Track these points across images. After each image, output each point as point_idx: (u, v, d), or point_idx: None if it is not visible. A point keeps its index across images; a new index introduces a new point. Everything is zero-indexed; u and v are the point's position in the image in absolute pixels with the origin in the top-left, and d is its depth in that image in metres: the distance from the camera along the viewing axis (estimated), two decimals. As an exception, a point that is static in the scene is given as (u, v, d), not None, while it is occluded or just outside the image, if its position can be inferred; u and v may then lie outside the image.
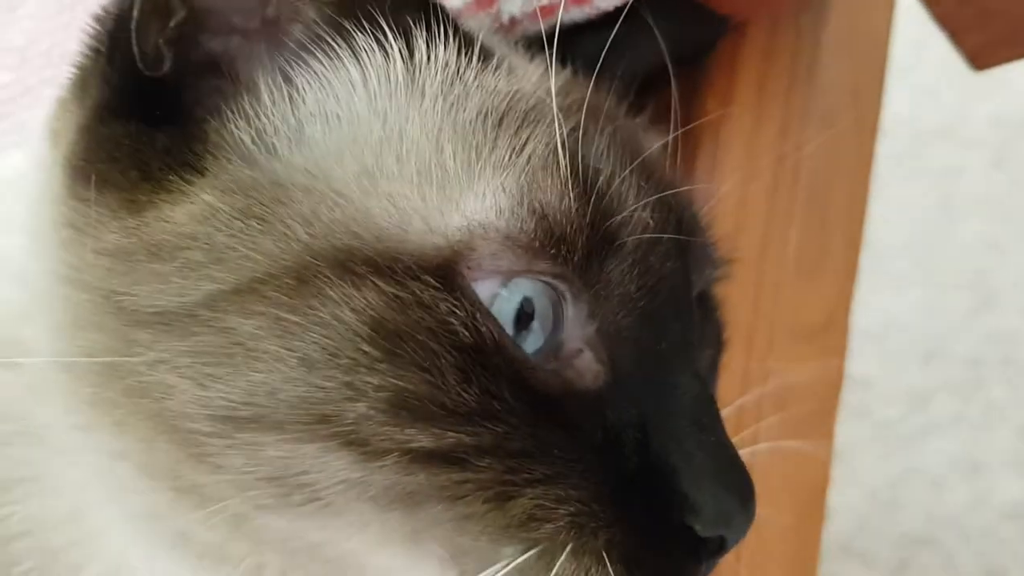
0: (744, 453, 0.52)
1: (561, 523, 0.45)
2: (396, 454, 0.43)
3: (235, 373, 0.42)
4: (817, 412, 0.70)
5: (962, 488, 1.48)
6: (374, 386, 0.42)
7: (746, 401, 0.61)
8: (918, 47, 1.81)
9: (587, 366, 0.48)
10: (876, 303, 1.69)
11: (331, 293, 0.43)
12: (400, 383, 0.43)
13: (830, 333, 0.70)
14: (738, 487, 0.47)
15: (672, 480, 0.46)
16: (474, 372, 0.44)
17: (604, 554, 0.45)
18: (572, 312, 0.47)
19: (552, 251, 0.45)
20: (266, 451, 0.43)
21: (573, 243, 0.46)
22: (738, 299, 0.58)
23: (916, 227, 1.70)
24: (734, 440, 0.51)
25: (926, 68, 1.78)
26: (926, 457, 1.53)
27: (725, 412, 0.55)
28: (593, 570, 0.45)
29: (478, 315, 0.44)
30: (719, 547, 0.48)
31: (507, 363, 0.45)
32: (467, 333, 0.44)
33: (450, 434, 0.43)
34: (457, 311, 0.44)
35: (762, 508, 0.52)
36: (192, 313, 0.43)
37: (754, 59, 0.67)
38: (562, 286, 0.47)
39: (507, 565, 0.44)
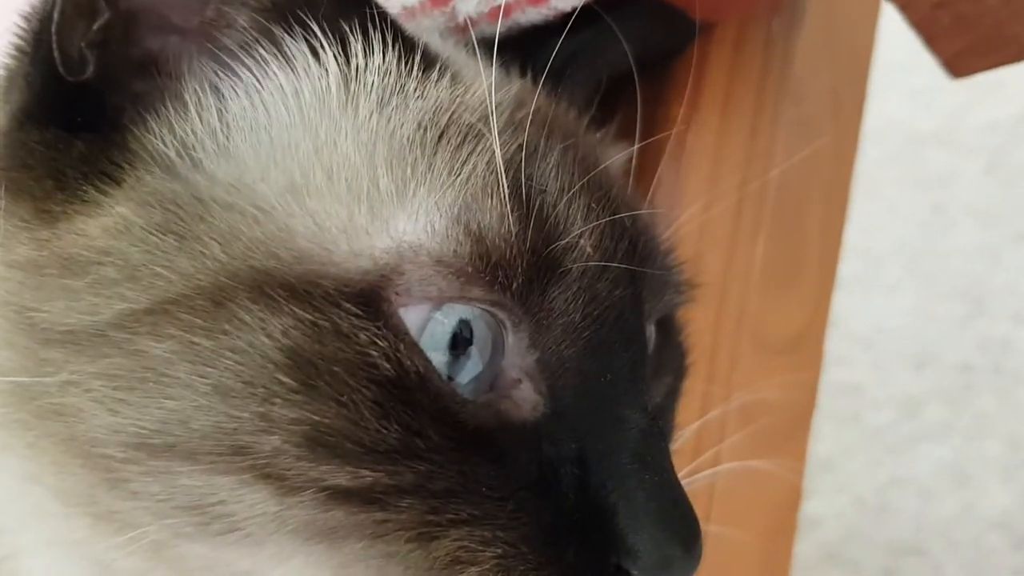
0: (706, 475, 0.50)
1: (487, 566, 0.42)
2: (312, 490, 0.41)
3: (146, 399, 0.40)
4: (788, 429, 0.68)
5: (951, 497, 1.46)
6: (289, 419, 0.40)
7: (708, 420, 0.59)
8: (912, 49, 1.79)
9: (525, 397, 0.45)
10: (867, 309, 1.67)
11: (246, 318, 0.40)
12: (316, 417, 0.41)
13: (803, 348, 0.68)
14: (682, 530, 0.45)
15: (610, 521, 0.43)
16: (394, 408, 0.42)
17: None
18: (512, 340, 0.45)
19: (487, 277, 0.43)
20: (181, 480, 0.41)
21: (512, 269, 0.43)
22: (700, 315, 0.57)
23: (909, 233, 1.69)
24: (694, 462, 0.49)
25: (920, 71, 1.77)
26: (915, 465, 1.51)
27: (685, 433, 0.53)
28: None
29: (401, 347, 0.42)
30: None
31: (432, 398, 0.42)
32: (388, 366, 0.42)
33: (367, 473, 0.41)
34: (378, 341, 0.41)
35: (728, 529, 0.50)
36: (103, 333, 0.41)
37: (722, 65, 0.65)
38: (500, 314, 0.45)
39: None
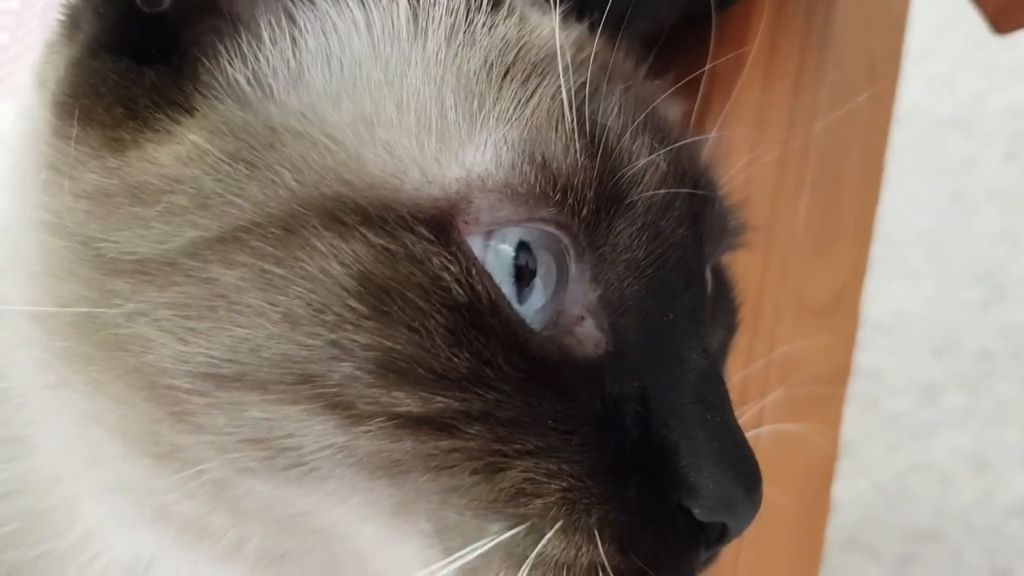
0: (749, 435, 0.50)
1: (552, 498, 0.42)
2: (382, 418, 0.41)
3: (217, 327, 0.40)
4: (824, 396, 0.68)
5: (970, 483, 1.46)
6: (360, 345, 0.40)
7: (750, 372, 0.59)
8: (937, 34, 1.79)
9: (588, 334, 0.45)
10: (887, 295, 1.67)
11: (318, 244, 0.40)
12: (387, 343, 0.41)
13: (839, 312, 0.68)
14: (743, 472, 0.44)
15: (672, 459, 0.43)
16: (466, 334, 0.41)
17: (596, 532, 0.43)
18: (575, 271, 0.45)
19: (557, 198, 0.43)
20: (249, 411, 0.41)
21: (579, 195, 0.43)
22: (746, 268, 0.56)
23: (929, 219, 1.68)
24: (738, 414, 0.49)
25: (943, 57, 1.76)
26: (934, 451, 1.51)
27: (729, 386, 0.53)
28: (584, 548, 0.43)
29: (473, 271, 0.42)
30: (720, 535, 0.45)
31: (502, 325, 0.42)
32: (460, 291, 0.41)
33: (438, 399, 0.41)
34: (451, 267, 0.41)
35: (767, 490, 0.50)
36: (173, 261, 0.41)
37: (768, 22, 0.65)
38: (566, 239, 0.45)
39: (492, 541, 0.42)
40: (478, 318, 0.42)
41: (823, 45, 0.67)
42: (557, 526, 0.42)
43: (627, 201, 0.45)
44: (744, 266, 0.56)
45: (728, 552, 0.49)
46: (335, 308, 0.41)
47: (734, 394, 0.52)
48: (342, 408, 0.40)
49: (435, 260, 0.42)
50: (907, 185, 1.73)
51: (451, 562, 0.42)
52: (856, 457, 1.61)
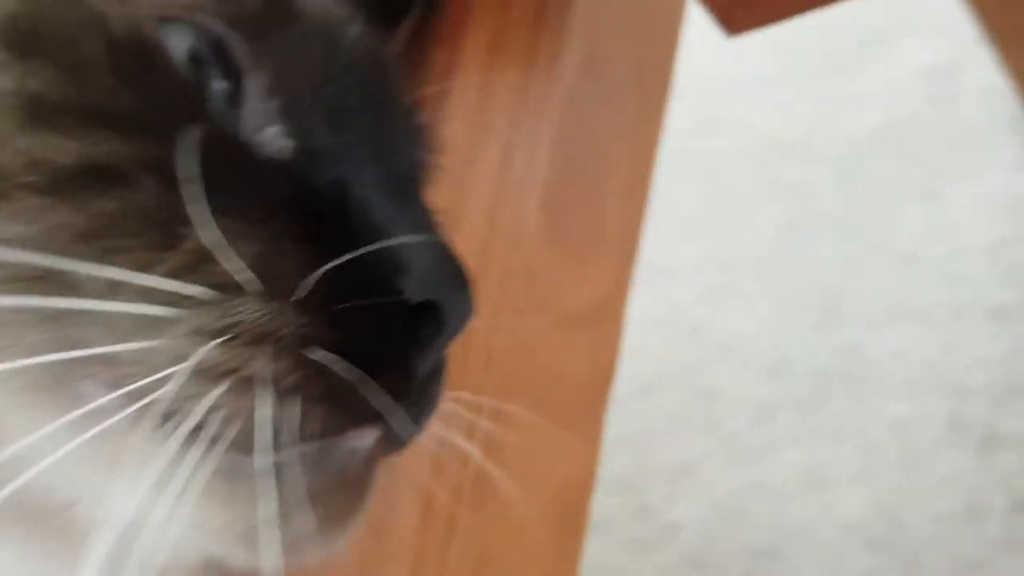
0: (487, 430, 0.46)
1: (245, 263, 0.37)
2: (35, 177, 0.35)
3: None
4: (582, 408, 0.64)
5: (806, 501, 1.48)
6: (6, 91, 0.35)
7: (486, 372, 0.55)
8: (777, 64, 1.84)
9: (271, 140, 0.42)
10: (727, 318, 1.69)
11: None
12: (40, 85, 0.36)
13: (600, 324, 0.65)
14: (451, 261, 0.41)
15: (377, 238, 0.39)
16: (132, 71, 0.37)
17: (293, 296, 0.38)
18: (253, 80, 0.42)
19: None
20: None
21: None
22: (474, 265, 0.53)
23: (765, 243, 1.72)
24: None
25: (783, 85, 1.82)
26: (772, 470, 1.53)
27: (462, 395, 0.48)
28: (279, 313, 0.38)
29: (140, 15, 0.38)
30: (436, 330, 0.40)
31: (170, 76, 0.39)
32: (123, 29, 0.37)
33: (104, 140, 0.36)
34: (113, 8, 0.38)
35: (515, 508, 0.47)
36: None
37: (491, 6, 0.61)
38: (239, 44, 0.41)
39: (178, 315, 0.36)
40: (145, 61, 0.38)
41: (557, 36, 0.63)
42: (254, 291, 0.37)
43: (296, 9, 0.43)
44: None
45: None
46: None
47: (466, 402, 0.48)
48: None
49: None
50: (744, 210, 1.77)
51: (128, 349, 0.36)
52: (696, 477, 1.61)
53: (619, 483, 1.71)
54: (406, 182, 0.44)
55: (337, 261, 0.38)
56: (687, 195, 1.88)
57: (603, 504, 1.82)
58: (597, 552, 1.77)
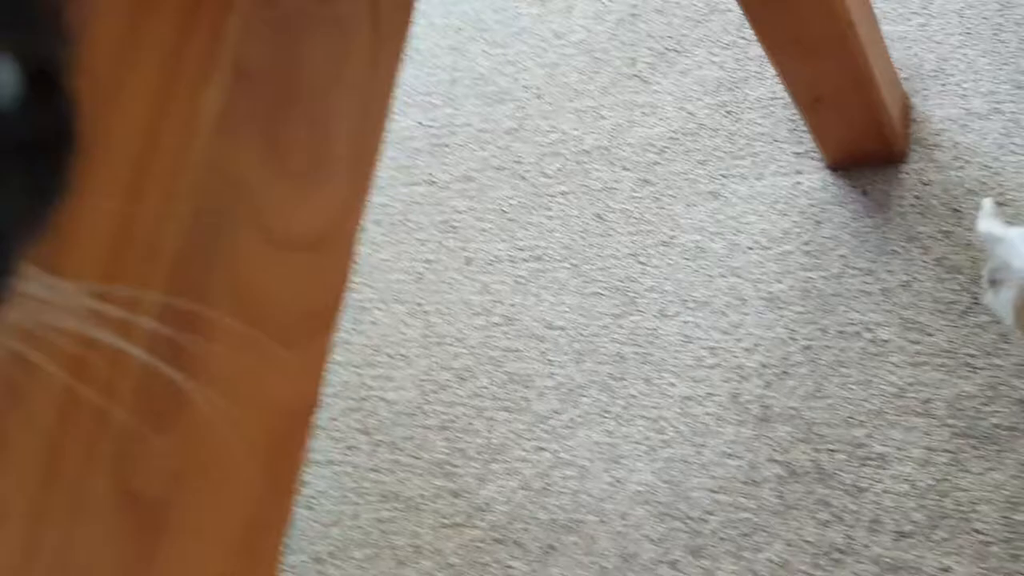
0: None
1: None
2: None
3: None
4: (300, 330, 0.62)
5: (603, 476, 1.59)
6: None
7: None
8: (586, 75, 1.96)
9: None
10: (539, 307, 1.80)
11: None
12: None
13: (325, 251, 0.63)
14: None
15: None
16: None
17: None
18: None
19: None
20: None
21: None
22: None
23: (575, 238, 1.83)
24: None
25: (590, 94, 1.94)
26: (575, 448, 1.64)
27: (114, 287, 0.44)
28: None
29: None
30: None
31: None
32: None
33: None
34: None
35: (211, 412, 0.45)
36: None
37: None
38: None
39: None
40: None
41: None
42: None
43: None
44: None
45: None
46: None
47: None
48: None
49: None
50: (557, 208, 1.89)
51: None
52: (507, 457, 1.71)
53: (434, 467, 1.79)
54: None
55: None
56: (505, 192, 1.98)
57: (415, 484, 1.90)
58: (402, 530, 1.85)
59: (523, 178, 2.00)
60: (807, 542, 1.38)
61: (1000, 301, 1.24)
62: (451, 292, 2.04)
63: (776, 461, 1.47)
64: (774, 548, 1.41)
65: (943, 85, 1.57)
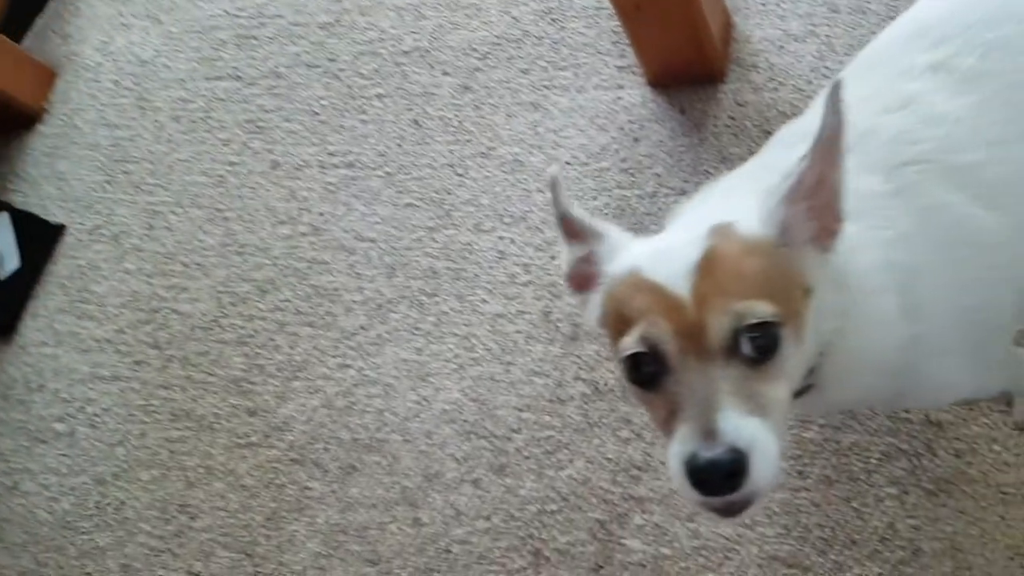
0: None
1: None
2: None
3: None
4: None
5: (410, 395, 1.54)
6: None
7: None
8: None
9: None
10: (349, 217, 1.69)
11: None
12: None
13: None
14: None
15: None
16: None
17: None
18: None
19: None
20: None
21: None
22: None
23: (391, 145, 1.73)
24: None
25: (410, -11, 1.83)
26: (382, 366, 1.57)
27: None
28: None
29: None
30: None
31: None
32: None
33: None
34: None
35: None
36: None
37: None
38: None
39: None
40: None
41: None
42: None
43: None
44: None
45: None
46: None
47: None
48: None
49: None
50: (372, 112, 1.77)
51: None
52: (310, 374, 1.62)
53: (231, 384, 1.68)
54: None
55: None
56: (317, 91, 1.85)
57: (208, 402, 1.78)
58: (194, 450, 1.73)
59: (337, 77, 1.86)
60: (608, 459, 1.38)
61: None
62: (255, 198, 1.89)
63: (582, 379, 1.45)
64: (575, 465, 1.40)
65: (763, 4, 1.55)
